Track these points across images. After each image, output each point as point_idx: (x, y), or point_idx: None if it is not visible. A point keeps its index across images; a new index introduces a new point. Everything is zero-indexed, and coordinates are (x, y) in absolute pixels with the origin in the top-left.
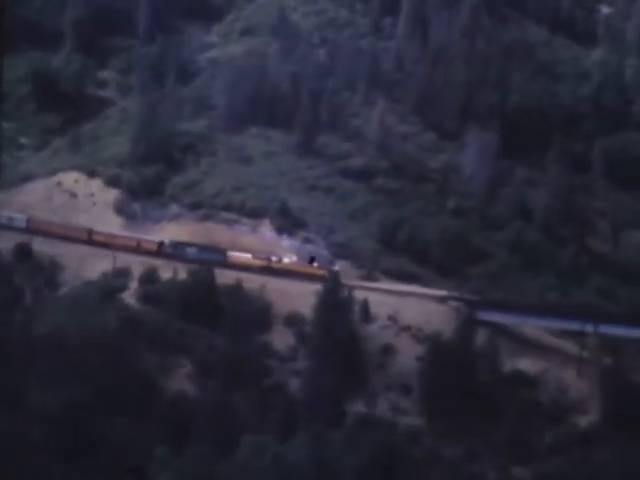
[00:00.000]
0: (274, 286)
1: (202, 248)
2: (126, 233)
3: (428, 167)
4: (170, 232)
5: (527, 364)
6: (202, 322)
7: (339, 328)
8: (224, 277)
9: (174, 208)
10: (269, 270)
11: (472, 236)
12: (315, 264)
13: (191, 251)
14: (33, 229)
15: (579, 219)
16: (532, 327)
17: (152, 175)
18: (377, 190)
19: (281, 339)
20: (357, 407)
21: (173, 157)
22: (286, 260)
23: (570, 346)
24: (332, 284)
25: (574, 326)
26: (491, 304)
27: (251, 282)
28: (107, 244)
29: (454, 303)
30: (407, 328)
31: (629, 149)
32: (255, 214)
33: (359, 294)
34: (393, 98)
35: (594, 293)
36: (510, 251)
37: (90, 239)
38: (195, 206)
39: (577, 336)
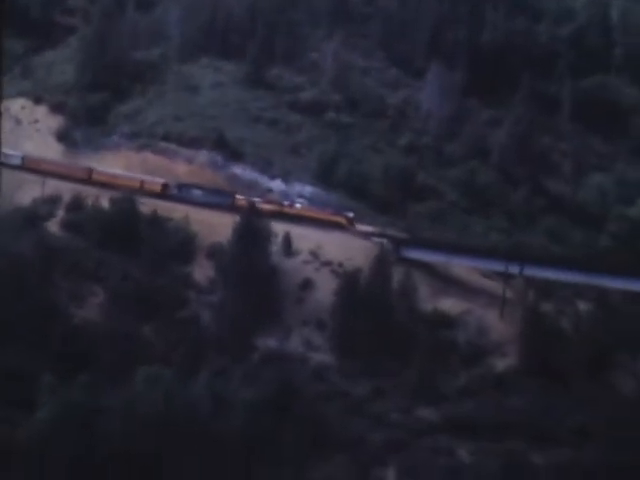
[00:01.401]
0: (199, 217)
1: (209, 191)
2: (128, 172)
3: (385, 103)
4: (108, 161)
5: (450, 304)
6: (122, 251)
7: (254, 260)
8: (147, 206)
9: (115, 137)
10: (280, 215)
11: (420, 173)
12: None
13: (197, 193)
14: (29, 167)
15: (536, 160)
16: (464, 268)
17: (97, 103)
18: (326, 124)
19: (202, 271)
20: (269, 342)
21: (120, 85)
22: (298, 205)
23: (499, 288)
24: (248, 215)
25: (499, 267)
26: (418, 242)
27: (176, 212)
28: (108, 184)
29: (379, 239)
30: (328, 263)
31: (605, 92)
32: (193, 144)
33: (282, 227)
34: (360, 33)
35: (544, 235)
36: (460, 190)
37: (90, 179)
38: (135, 135)
39: (506, 278)
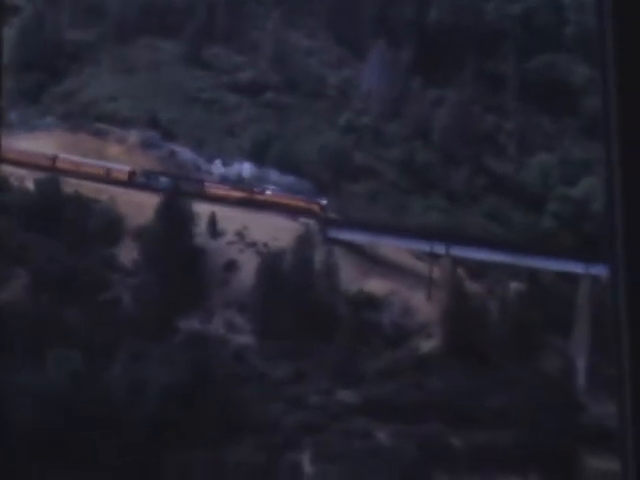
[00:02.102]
0: (127, 198)
1: (177, 178)
2: (94, 160)
3: (326, 83)
4: (42, 142)
5: (376, 285)
6: (47, 233)
7: (176, 242)
8: (72, 187)
9: (50, 118)
10: (249, 202)
11: (358, 154)
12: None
13: (164, 181)
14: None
15: (479, 139)
16: (395, 248)
17: (32, 83)
18: (264, 105)
19: (128, 253)
20: (191, 324)
21: (56, 65)
22: (268, 192)
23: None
24: (171, 194)
25: (427, 247)
26: (345, 222)
27: (102, 193)
28: (72, 172)
29: (306, 220)
30: (253, 244)
31: (555, 71)
32: (125, 124)
33: (207, 208)
34: (304, 11)
35: (484, 216)
36: (399, 170)
37: (54, 166)
38: (69, 116)
39: (433, 258)
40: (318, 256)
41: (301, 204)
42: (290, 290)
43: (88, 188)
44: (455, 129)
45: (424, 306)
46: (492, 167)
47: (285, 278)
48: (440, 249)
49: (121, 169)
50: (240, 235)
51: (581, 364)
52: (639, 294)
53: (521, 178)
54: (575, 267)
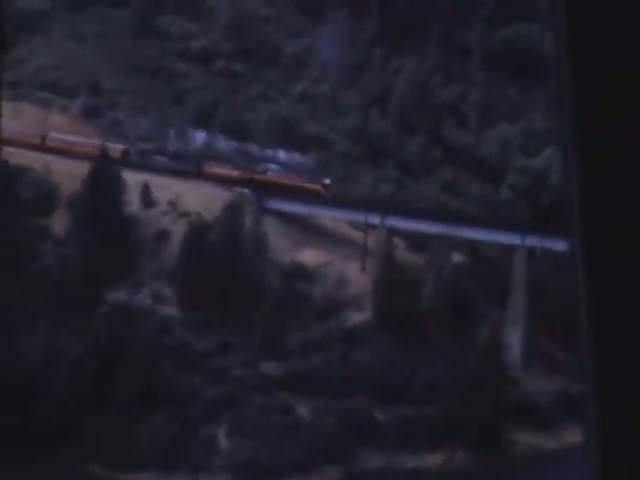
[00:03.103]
0: (61, 167)
1: (174, 156)
2: (85, 139)
3: (282, 52)
4: None
5: (311, 256)
6: None
7: (106, 211)
8: (5, 155)
9: None
10: (250, 182)
11: (309, 123)
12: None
13: (161, 160)
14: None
15: (437, 110)
16: (334, 219)
17: None
18: (216, 73)
19: (61, 222)
20: (119, 295)
21: (5, 35)
22: (270, 172)
23: (368, 240)
24: (100, 163)
25: (362, 218)
26: (284, 192)
27: (36, 162)
28: (63, 150)
29: (242, 189)
30: (186, 214)
31: (524, 41)
32: (68, 93)
33: (141, 177)
34: None
35: (439, 187)
36: (351, 140)
37: (43, 145)
38: (14, 85)
39: (368, 229)
40: (249, 226)
41: (304, 184)
42: (217, 260)
43: (21, 157)
44: (412, 98)
45: (358, 278)
46: (451, 138)
47: (212, 248)
48: (375, 220)
49: (115, 147)
50: (173, 204)
51: (515, 338)
52: (597, 269)
53: (481, 149)
54: (512, 239)
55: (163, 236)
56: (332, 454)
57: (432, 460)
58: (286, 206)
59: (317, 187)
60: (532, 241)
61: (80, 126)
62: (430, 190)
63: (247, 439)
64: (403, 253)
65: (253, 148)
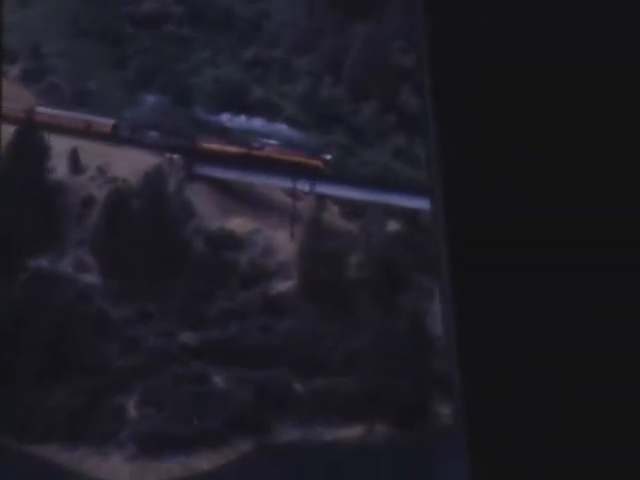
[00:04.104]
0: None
1: (166, 132)
2: (74, 113)
3: (235, 15)
4: None
5: (239, 223)
6: None
7: (29, 176)
8: None
9: None
10: (247, 158)
11: (257, 88)
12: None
13: (153, 135)
14: None
15: (392, 75)
16: (268, 186)
17: None
18: (163, 38)
19: None
20: (40, 262)
21: None
22: (268, 148)
23: (302, 207)
24: (25, 125)
25: (288, 183)
26: (215, 158)
27: None
28: (50, 125)
29: (172, 155)
30: (114, 180)
31: None
32: (9, 57)
33: (70, 142)
34: None
35: (390, 154)
36: (300, 105)
37: (29, 119)
38: None
39: (296, 196)
40: (175, 192)
41: (303, 160)
42: (138, 227)
43: None
44: (367, 64)
45: (287, 246)
46: (406, 104)
47: (134, 214)
48: (304, 186)
49: (104, 122)
50: (101, 170)
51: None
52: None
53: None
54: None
55: (89, 203)
56: (245, 426)
57: (351, 433)
58: (217, 172)
59: (318, 163)
60: None
61: (18, 91)
62: (381, 157)
63: (157, 410)
64: (337, 220)
65: (201, 113)
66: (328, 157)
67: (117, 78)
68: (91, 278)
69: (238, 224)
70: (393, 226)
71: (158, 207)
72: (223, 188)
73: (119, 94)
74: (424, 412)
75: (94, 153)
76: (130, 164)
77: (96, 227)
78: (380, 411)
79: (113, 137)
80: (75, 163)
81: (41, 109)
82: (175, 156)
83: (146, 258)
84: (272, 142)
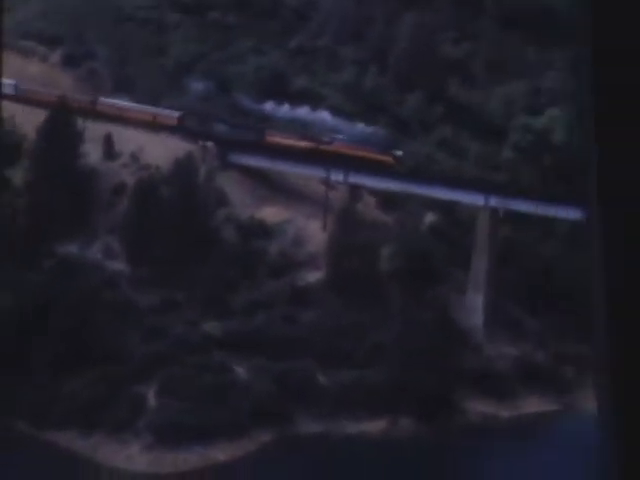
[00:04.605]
0: (30, 118)
1: (235, 125)
2: (139, 105)
3: (280, 3)
4: None
5: (272, 212)
6: None
7: (62, 162)
8: None
9: None
10: (316, 153)
11: (302, 77)
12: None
13: (220, 128)
14: (24, 97)
15: (439, 66)
16: (302, 176)
17: None
18: (207, 25)
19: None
20: (70, 248)
21: None
22: (337, 143)
23: (338, 197)
24: (56, 112)
25: (323, 174)
26: (252, 146)
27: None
28: (114, 116)
29: (207, 143)
30: (147, 167)
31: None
32: (51, 42)
33: (104, 127)
34: None
35: (435, 145)
36: (345, 94)
37: (93, 110)
38: None
39: (329, 185)
40: (207, 180)
41: (373, 155)
42: (168, 215)
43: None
44: (414, 54)
45: (318, 236)
46: (455, 95)
47: (164, 202)
48: (338, 176)
49: (169, 114)
50: (135, 157)
51: (478, 302)
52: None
53: (484, 108)
54: (476, 199)
55: (121, 190)
56: (266, 418)
57: (374, 427)
58: (251, 161)
59: (388, 159)
60: (497, 202)
61: (57, 76)
62: (424, 148)
63: (176, 399)
64: (372, 211)
65: (244, 101)
66: (399, 153)
67: (158, 65)
68: (119, 265)
69: (270, 213)
70: (430, 218)
71: (188, 195)
72: (257, 177)
73: (159, 81)
74: (450, 407)
75: (128, 139)
76: (165, 151)
77: (125, 214)
78: (405, 405)
79: (179, 129)
80: (109, 149)
81: (105, 100)
82: (209, 144)
83: (174, 246)
84: (340, 137)
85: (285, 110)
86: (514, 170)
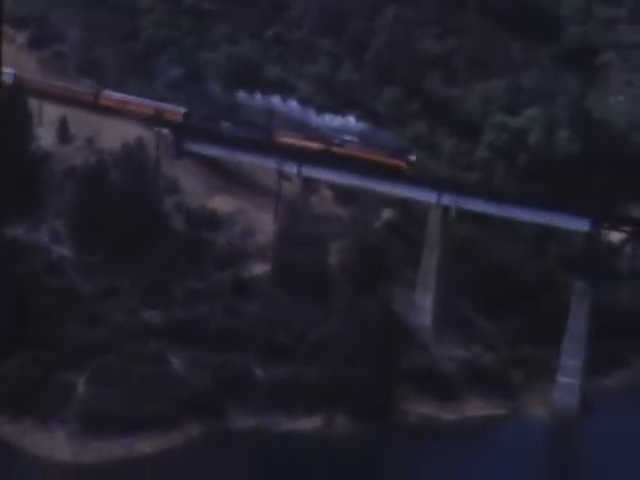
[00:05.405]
0: None
1: (241, 123)
2: (144, 99)
3: None
4: None
5: (224, 202)
6: None
7: (11, 144)
8: None
9: None
10: (326, 155)
11: (274, 67)
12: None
13: (226, 125)
14: (24, 88)
15: (418, 61)
16: (260, 167)
17: None
18: (182, 11)
19: None
20: (17, 231)
21: None
22: (349, 145)
23: (292, 189)
24: (8, 92)
25: (284, 166)
26: (205, 134)
27: None
28: (118, 110)
29: (162, 129)
30: (101, 151)
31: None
32: (19, 24)
33: (58, 110)
34: None
35: (409, 141)
36: (317, 86)
37: (96, 103)
38: None
39: (283, 178)
40: (159, 167)
41: (386, 159)
42: (115, 201)
43: None
44: (393, 48)
45: (269, 228)
46: (433, 91)
47: (112, 188)
48: (292, 169)
49: (175, 110)
50: (90, 141)
51: (427, 300)
52: None
53: (462, 105)
54: (429, 197)
55: (72, 173)
56: (199, 411)
57: (309, 424)
58: (207, 149)
59: (401, 164)
60: (450, 200)
61: (23, 57)
62: (398, 143)
63: (108, 388)
64: (329, 205)
65: (214, 89)
66: (412, 158)
67: (126, 49)
68: (64, 250)
69: (222, 203)
70: (387, 214)
71: (137, 181)
72: (212, 166)
73: (127, 66)
74: (389, 407)
75: (84, 123)
76: (120, 136)
77: (73, 199)
78: (343, 403)
79: (185, 126)
80: (64, 133)
81: (109, 93)
82: (165, 130)
83: (120, 233)
84: (351, 139)
85: (257, 100)
86: (487, 169)
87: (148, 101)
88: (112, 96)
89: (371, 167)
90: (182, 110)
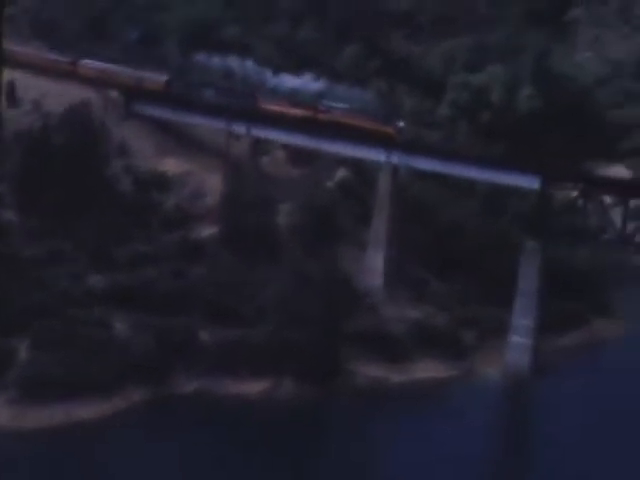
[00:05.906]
0: None
1: (224, 91)
2: (123, 68)
3: None
4: None
5: (172, 164)
6: None
7: None
8: None
9: None
10: (312, 122)
11: (233, 27)
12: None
13: (209, 93)
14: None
15: (379, 19)
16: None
17: None
18: None
19: None
20: None
21: None
22: (336, 112)
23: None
24: None
25: (232, 128)
26: (156, 97)
27: None
28: (97, 79)
29: (112, 93)
30: (48, 115)
31: None
32: None
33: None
34: None
35: (374, 96)
36: (276, 47)
37: (74, 72)
38: None
39: (231, 138)
40: (108, 129)
41: (375, 126)
42: (60, 164)
43: None
44: (352, 5)
45: (218, 189)
46: (395, 49)
47: (58, 151)
48: (241, 129)
49: (156, 78)
50: (37, 104)
51: (378, 261)
52: None
53: (423, 63)
54: (378, 156)
55: (20, 137)
56: (142, 375)
57: (255, 387)
58: (155, 111)
59: (390, 130)
60: (398, 159)
61: None
62: (367, 99)
63: (50, 353)
64: (282, 166)
65: (171, 51)
66: (401, 124)
67: (81, 11)
68: (9, 214)
69: (171, 165)
70: (341, 174)
71: (82, 144)
72: (163, 128)
73: (82, 28)
74: (337, 370)
75: (31, 87)
76: (66, 99)
77: (17, 162)
78: (289, 366)
79: (166, 94)
80: (11, 96)
81: (87, 62)
82: (114, 93)
83: (66, 196)
84: (339, 105)
85: (214, 61)
86: (449, 127)
87: (128, 70)
88: (91, 66)
89: (359, 134)
90: (163, 78)
